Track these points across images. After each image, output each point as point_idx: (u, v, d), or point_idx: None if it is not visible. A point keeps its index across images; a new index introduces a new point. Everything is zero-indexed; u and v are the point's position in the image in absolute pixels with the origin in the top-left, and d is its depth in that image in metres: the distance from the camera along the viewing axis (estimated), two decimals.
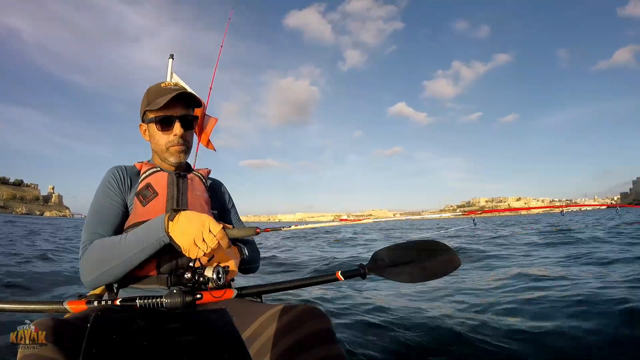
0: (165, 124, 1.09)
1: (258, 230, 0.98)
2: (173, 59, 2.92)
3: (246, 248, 1.16)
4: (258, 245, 1.31)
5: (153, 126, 1.11)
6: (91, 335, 0.49)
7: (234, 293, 0.92)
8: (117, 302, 0.81)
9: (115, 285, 1.02)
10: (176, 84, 1.14)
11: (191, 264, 0.91)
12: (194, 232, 0.87)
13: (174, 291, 0.82)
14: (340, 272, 1.03)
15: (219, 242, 0.89)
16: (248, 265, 1.15)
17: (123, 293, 1.01)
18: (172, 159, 1.12)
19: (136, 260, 0.92)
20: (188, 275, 0.91)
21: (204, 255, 0.89)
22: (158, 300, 0.80)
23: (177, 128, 1.09)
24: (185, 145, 1.13)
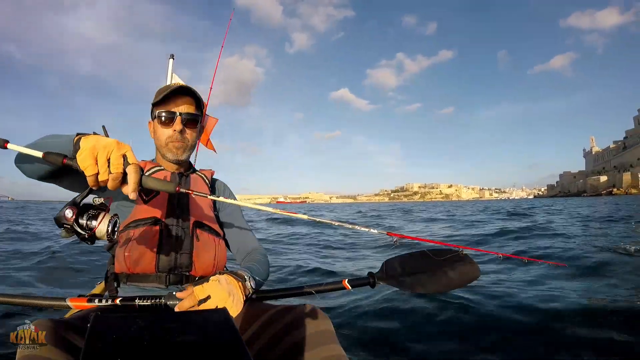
0: (167, 119, 1.09)
1: (178, 188, 0.81)
2: (174, 59, 2.92)
3: (254, 269, 1.00)
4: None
5: (156, 122, 1.12)
6: (91, 335, 0.49)
7: None
8: (117, 302, 0.81)
9: (116, 284, 1.03)
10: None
11: (78, 198, 0.72)
12: (101, 147, 0.70)
13: (174, 293, 0.82)
14: (347, 280, 1.03)
15: (123, 181, 0.72)
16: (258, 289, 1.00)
17: (123, 292, 1.02)
18: (170, 155, 1.12)
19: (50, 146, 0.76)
20: (69, 213, 0.70)
21: (102, 181, 0.71)
22: (157, 301, 0.80)
23: (178, 124, 1.09)
24: (184, 143, 1.12)
